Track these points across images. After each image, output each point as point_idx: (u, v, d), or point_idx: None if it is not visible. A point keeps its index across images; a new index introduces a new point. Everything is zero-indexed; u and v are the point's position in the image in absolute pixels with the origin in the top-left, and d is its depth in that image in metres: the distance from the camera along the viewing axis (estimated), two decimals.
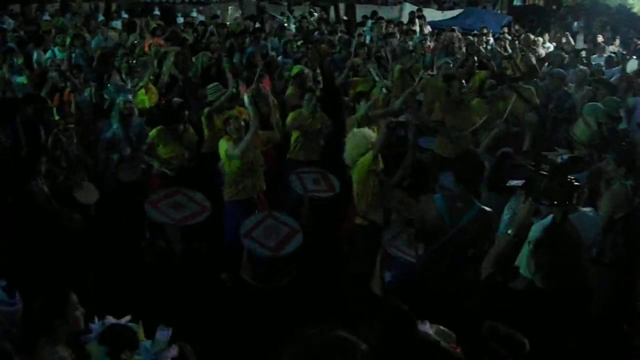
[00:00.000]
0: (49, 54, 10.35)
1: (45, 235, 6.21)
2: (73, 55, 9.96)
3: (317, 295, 5.87)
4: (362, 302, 5.24)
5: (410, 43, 12.55)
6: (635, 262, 5.01)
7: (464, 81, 8.25)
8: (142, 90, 8.32)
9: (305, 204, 6.81)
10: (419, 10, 17.90)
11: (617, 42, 15.09)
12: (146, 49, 10.69)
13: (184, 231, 6.14)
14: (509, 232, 3.81)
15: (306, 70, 9.04)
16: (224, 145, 6.36)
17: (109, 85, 8.16)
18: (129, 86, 8.23)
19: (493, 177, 5.49)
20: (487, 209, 4.58)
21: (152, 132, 6.88)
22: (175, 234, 6.10)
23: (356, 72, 9.78)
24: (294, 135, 7.65)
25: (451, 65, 9.60)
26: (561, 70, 9.83)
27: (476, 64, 10.41)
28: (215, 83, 7.79)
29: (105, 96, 8.04)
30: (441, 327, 3.21)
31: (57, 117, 7.37)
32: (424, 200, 4.72)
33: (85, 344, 3.28)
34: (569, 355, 3.52)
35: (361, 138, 5.85)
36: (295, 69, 9.15)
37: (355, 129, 6.14)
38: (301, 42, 12.38)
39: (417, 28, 15.83)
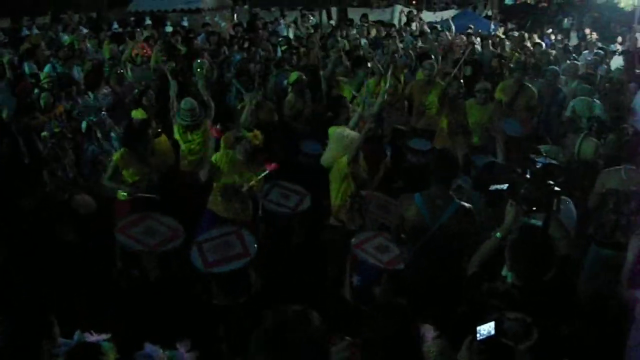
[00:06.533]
0: (47, 68, 10.26)
1: (39, 247, 6.25)
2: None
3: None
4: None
5: (401, 45, 12.54)
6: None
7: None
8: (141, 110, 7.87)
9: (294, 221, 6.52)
10: (419, 11, 18.03)
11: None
12: (133, 55, 10.70)
13: (161, 256, 5.72)
14: (497, 235, 3.84)
15: (304, 77, 8.94)
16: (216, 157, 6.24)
17: (80, 102, 7.92)
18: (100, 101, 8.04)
19: (479, 178, 5.53)
20: (467, 204, 4.61)
21: (115, 156, 6.49)
22: (151, 261, 5.69)
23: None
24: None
25: (434, 66, 9.36)
26: (555, 67, 9.96)
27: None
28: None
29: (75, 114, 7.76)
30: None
31: (56, 129, 7.32)
32: (404, 200, 4.73)
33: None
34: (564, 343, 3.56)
35: (339, 138, 5.91)
36: (294, 76, 9.05)
37: (338, 129, 6.13)
38: (285, 47, 12.34)
39: (414, 28, 15.86)
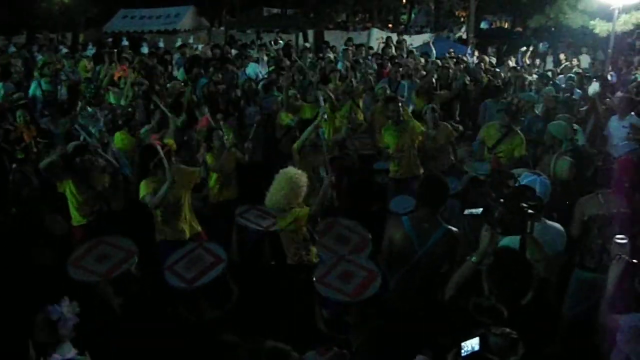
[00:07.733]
0: (34, 86, 10.43)
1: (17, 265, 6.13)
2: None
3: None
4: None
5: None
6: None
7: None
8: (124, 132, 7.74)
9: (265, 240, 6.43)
10: (400, 34, 18.26)
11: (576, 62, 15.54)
12: (115, 79, 10.67)
13: (115, 282, 5.44)
14: (472, 259, 3.83)
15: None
16: (143, 190, 5.92)
17: (81, 114, 7.89)
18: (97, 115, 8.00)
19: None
20: (453, 228, 4.58)
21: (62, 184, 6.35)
22: (107, 290, 5.42)
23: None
24: (214, 176, 7.31)
25: (387, 89, 9.69)
26: (532, 94, 10.02)
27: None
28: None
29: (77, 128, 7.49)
30: None
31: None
32: (392, 223, 4.69)
33: None
34: None
35: (284, 181, 5.43)
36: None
37: (284, 170, 5.58)
38: (272, 68, 12.45)
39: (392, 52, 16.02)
